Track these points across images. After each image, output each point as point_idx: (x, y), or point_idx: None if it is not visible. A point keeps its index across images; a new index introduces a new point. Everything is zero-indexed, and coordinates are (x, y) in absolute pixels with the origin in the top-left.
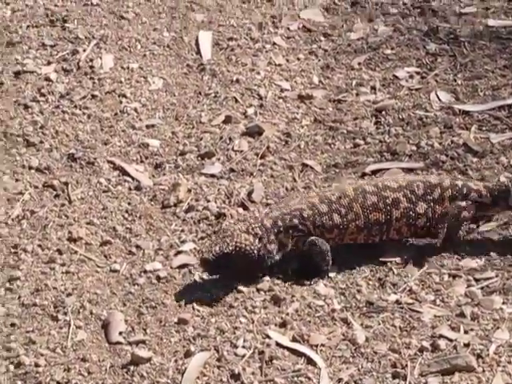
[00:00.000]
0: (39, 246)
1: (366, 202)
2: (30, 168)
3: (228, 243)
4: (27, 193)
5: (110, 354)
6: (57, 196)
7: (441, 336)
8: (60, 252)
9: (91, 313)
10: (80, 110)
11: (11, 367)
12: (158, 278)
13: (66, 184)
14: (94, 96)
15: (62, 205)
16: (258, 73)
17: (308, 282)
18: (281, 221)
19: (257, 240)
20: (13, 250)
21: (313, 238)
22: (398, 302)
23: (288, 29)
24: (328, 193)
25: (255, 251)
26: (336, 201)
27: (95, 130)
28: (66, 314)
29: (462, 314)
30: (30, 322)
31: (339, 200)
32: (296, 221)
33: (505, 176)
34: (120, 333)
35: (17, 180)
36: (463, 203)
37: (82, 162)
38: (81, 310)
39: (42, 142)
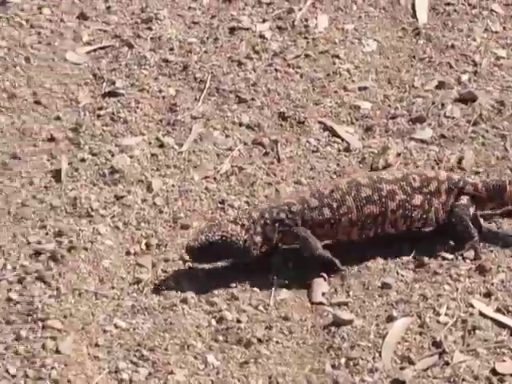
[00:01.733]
0: (246, 202)
1: (360, 194)
2: (241, 124)
3: (214, 232)
4: (237, 149)
5: (312, 314)
6: (266, 154)
7: None
8: None
9: (295, 272)
10: (293, 68)
11: (213, 322)
12: None
13: (276, 142)
14: (307, 55)
15: (271, 163)
16: (474, 39)
17: (323, 274)
18: (268, 213)
19: (243, 231)
20: (220, 206)
21: (296, 229)
22: None
23: None
24: (321, 187)
25: (241, 241)
26: (328, 195)
27: (307, 90)
28: (270, 271)
29: None
30: (233, 278)
31: (331, 194)
32: (283, 215)
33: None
34: (323, 293)
35: (227, 136)
36: (464, 201)
37: (292, 120)
38: (284, 270)
39: (253, 99)
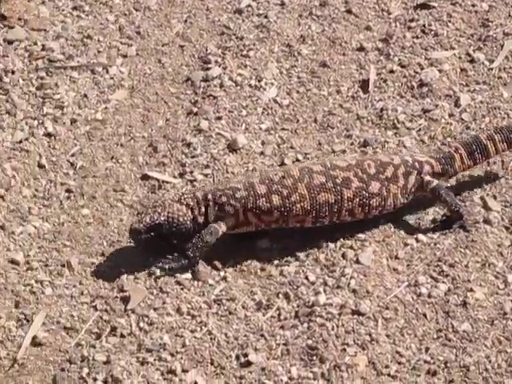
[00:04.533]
0: None
1: (313, 181)
2: None
3: (160, 213)
4: None
5: None
6: None
7: None
8: None
9: None
10: None
11: None
12: None
13: None
14: None
15: None
16: None
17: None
18: (211, 195)
19: (189, 210)
20: None
21: (213, 224)
22: None
23: None
24: (272, 173)
25: (188, 222)
26: (278, 181)
27: None
28: None
29: None
30: None
31: (282, 180)
32: (224, 199)
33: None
34: None
35: None
36: (435, 181)
37: None
38: None
39: None
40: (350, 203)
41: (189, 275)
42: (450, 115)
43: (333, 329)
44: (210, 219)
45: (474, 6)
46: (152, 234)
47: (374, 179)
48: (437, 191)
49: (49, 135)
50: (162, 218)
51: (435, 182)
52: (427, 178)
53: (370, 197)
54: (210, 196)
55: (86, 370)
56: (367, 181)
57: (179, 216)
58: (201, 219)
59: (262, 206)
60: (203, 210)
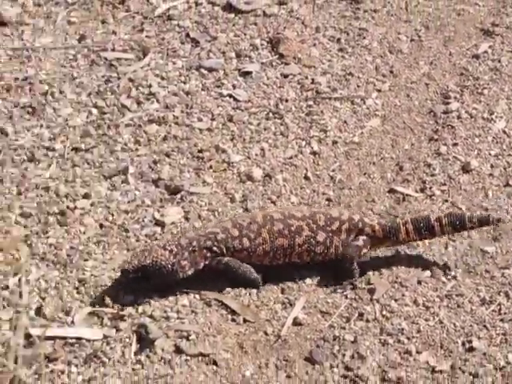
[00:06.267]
0: None
1: (273, 228)
2: None
3: (146, 256)
4: None
5: None
6: None
7: None
8: None
9: None
10: None
11: None
12: None
13: None
14: None
15: None
16: None
17: (252, 290)
18: (196, 241)
19: (172, 256)
20: None
21: (225, 259)
22: None
23: None
24: (240, 219)
25: (169, 265)
26: (246, 226)
27: None
28: None
29: None
30: None
31: (249, 225)
32: (209, 243)
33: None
34: None
35: None
36: (360, 242)
37: None
38: None
39: None
40: (299, 248)
41: (428, 273)
42: None
43: None
44: (198, 261)
45: None
46: (139, 274)
47: (322, 230)
48: (350, 247)
49: (314, 153)
50: (148, 261)
51: (360, 241)
52: (359, 237)
53: (316, 244)
54: (194, 242)
55: (336, 347)
56: (315, 231)
57: (162, 260)
58: (184, 262)
59: (236, 247)
60: (187, 254)
